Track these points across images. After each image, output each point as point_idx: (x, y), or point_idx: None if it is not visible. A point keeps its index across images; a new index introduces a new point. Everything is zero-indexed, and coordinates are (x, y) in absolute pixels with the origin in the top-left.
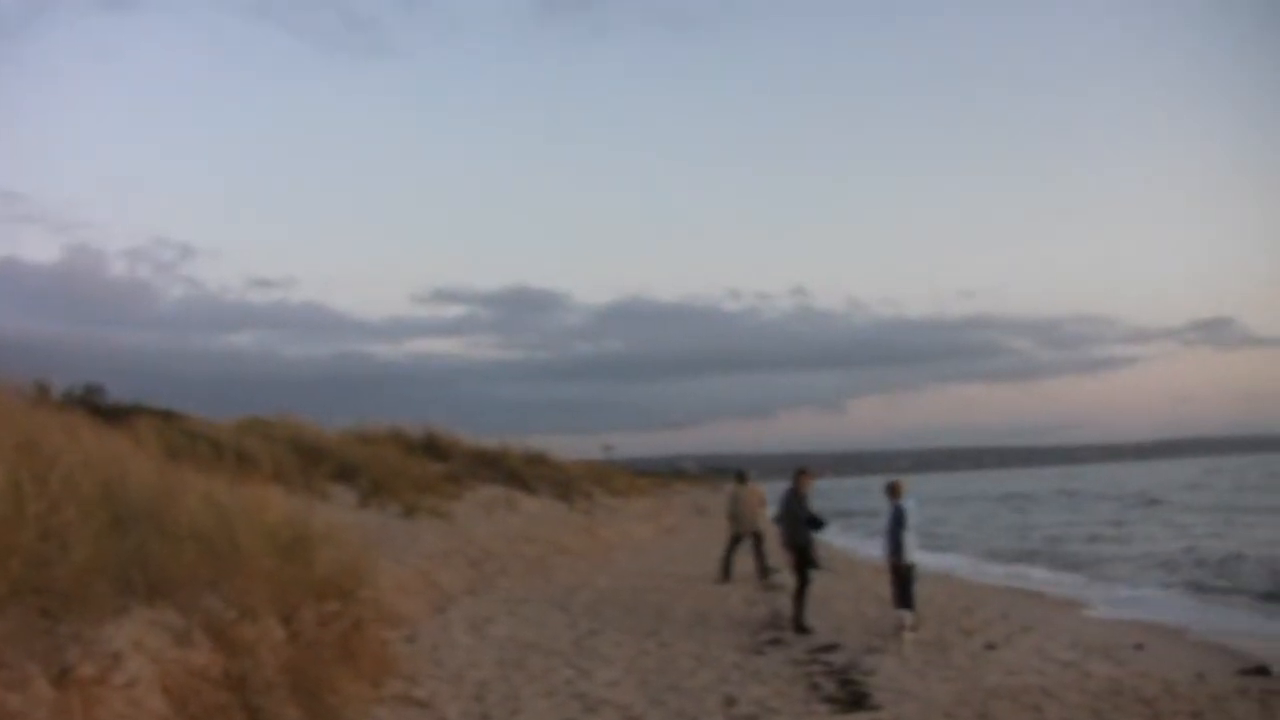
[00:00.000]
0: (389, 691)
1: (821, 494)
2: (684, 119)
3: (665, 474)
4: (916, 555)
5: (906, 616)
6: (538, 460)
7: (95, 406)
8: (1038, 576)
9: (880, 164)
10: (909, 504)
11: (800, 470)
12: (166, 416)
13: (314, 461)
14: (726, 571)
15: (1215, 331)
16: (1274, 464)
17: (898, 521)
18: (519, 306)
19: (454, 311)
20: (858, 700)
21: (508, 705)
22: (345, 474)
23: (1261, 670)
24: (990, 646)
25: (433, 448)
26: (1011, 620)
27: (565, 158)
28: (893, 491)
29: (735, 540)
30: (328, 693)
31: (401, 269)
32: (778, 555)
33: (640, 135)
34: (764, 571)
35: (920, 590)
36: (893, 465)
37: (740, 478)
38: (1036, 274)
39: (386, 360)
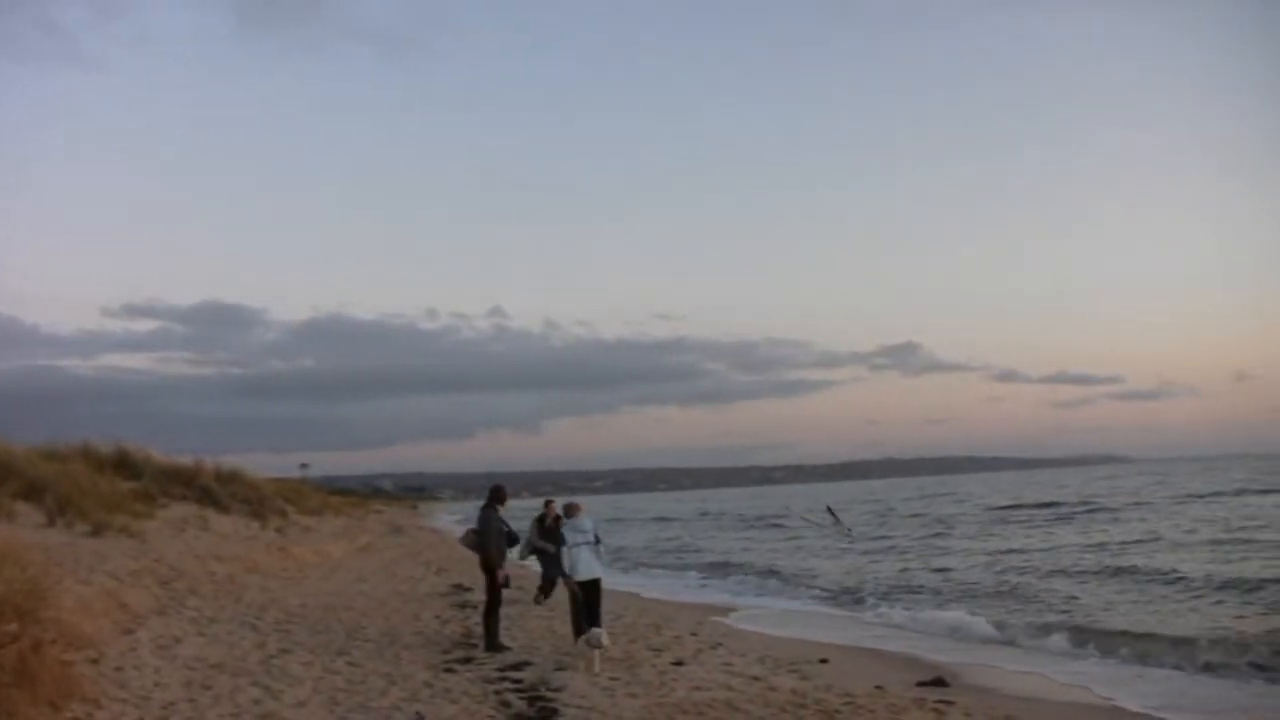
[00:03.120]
0: (69, 715)
1: (519, 514)
2: (383, 137)
3: (362, 493)
4: (599, 573)
5: (598, 634)
6: (231, 478)
7: None
8: (725, 592)
9: (576, 187)
10: (586, 524)
11: (496, 488)
12: None
13: None
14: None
15: (902, 357)
16: (936, 487)
17: (568, 541)
18: (213, 322)
19: (146, 326)
20: (546, 717)
21: None
22: (31, 492)
23: (938, 682)
24: (679, 663)
25: (124, 465)
26: (701, 636)
27: (262, 172)
28: (568, 512)
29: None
30: (4, 717)
31: (92, 281)
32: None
33: (340, 151)
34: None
35: (608, 606)
36: (589, 486)
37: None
38: (732, 298)
39: (77, 375)
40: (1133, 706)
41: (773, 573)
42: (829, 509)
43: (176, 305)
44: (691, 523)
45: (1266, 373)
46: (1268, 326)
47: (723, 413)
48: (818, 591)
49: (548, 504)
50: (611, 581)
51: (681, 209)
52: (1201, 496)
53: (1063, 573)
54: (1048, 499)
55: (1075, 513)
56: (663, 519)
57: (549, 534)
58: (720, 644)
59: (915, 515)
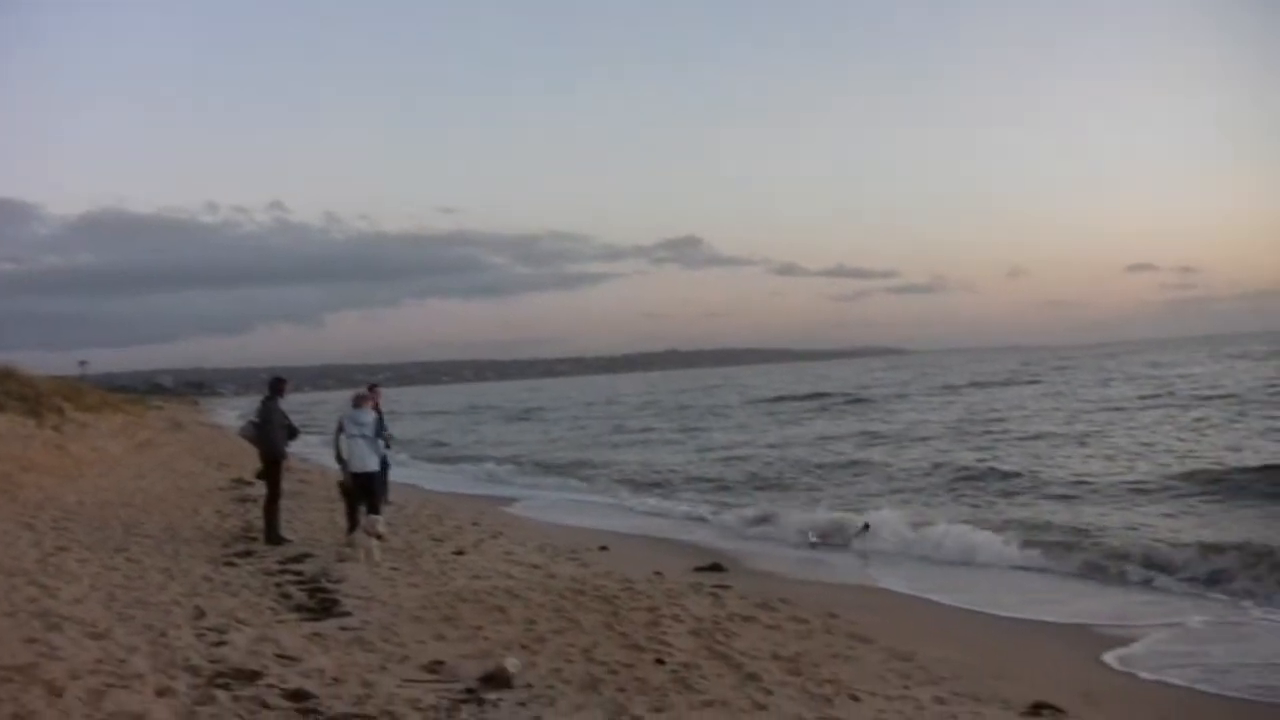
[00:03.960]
0: None
1: (301, 408)
2: (157, 24)
3: (142, 390)
4: (374, 466)
5: (375, 522)
6: (5, 376)
7: None
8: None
9: (355, 77)
10: (366, 417)
11: (276, 380)
12: None
13: None
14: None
15: (684, 250)
16: (715, 380)
17: (346, 431)
18: None
19: None
20: (327, 608)
21: None
22: None
23: (715, 567)
24: (460, 552)
25: None
26: (482, 527)
27: (33, 59)
28: (355, 403)
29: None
30: None
31: None
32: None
33: (115, 38)
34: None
35: (390, 498)
36: (371, 379)
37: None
38: (514, 192)
39: None
40: (901, 589)
41: (550, 465)
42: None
43: None
44: (459, 416)
45: (1038, 269)
46: (1041, 225)
47: (505, 306)
48: (600, 482)
49: (371, 388)
50: (392, 474)
51: (463, 103)
52: (958, 388)
53: (815, 467)
54: (813, 391)
55: (836, 405)
56: (441, 413)
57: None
58: (501, 533)
59: (684, 408)
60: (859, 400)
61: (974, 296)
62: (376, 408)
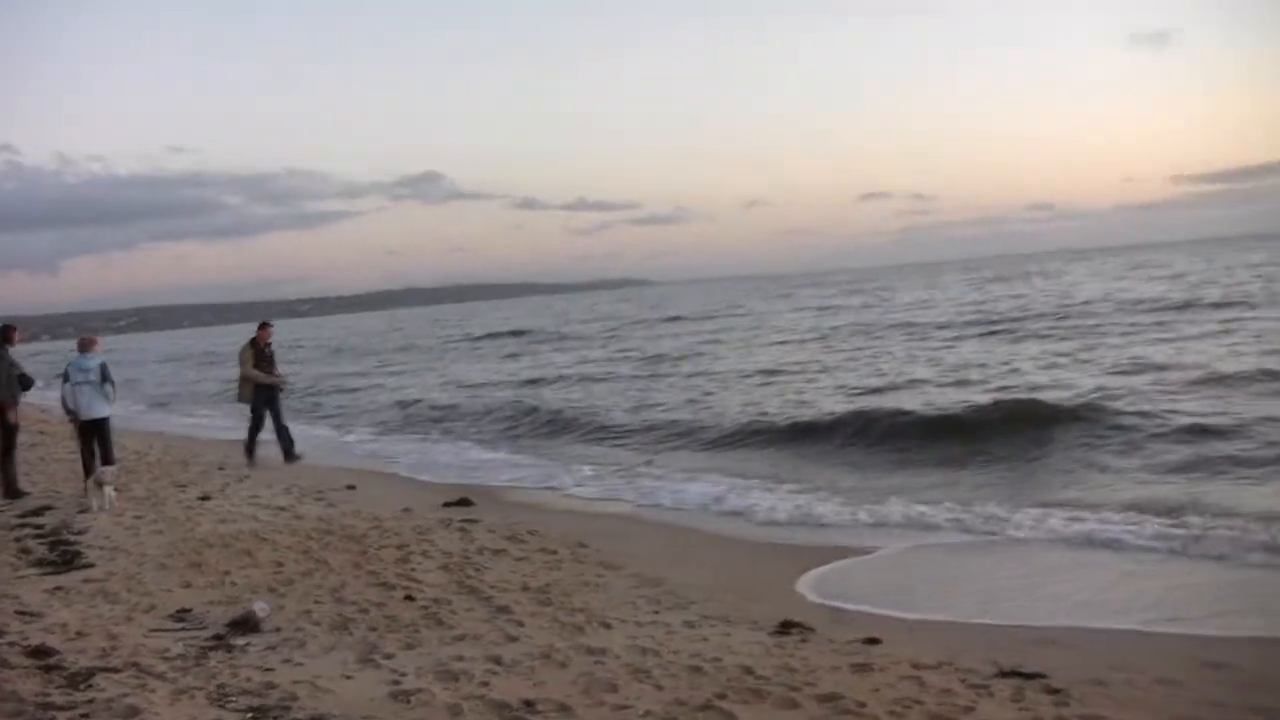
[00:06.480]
0: None
1: (37, 356)
2: None
3: None
4: (104, 412)
5: (107, 472)
6: None
7: None
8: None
9: (86, 12)
10: (90, 362)
11: (4, 328)
12: None
13: None
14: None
15: (423, 186)
16: (471, 313)
17: (70, 379)
18: None
19: None
20: (69, 560)
21: None
22: None
23: (464, 501)
24: (205, 497)
25: None
26: (228, 471)
27: None
28: (82, 347)
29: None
30: None
31: None
32: None
33: None
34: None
35: (132, 445)
36: (112, 325)
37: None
38: (249, 130)
39: None
40: (649, 516)
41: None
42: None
43: None
44: (196, 362)
45: (775, 199)
46: (777, 157)
47: (244, 247)
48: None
49: (262, 327)
50: (135, 421)
51: (191, 37)
52: (678, 319)
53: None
54: (525, 327)
55: (538, 342)
56: (174, 359)
57: (267, 361)
58: (247, 476)
59: (403, 349)
60: (564, 337)
61: (714, 226)
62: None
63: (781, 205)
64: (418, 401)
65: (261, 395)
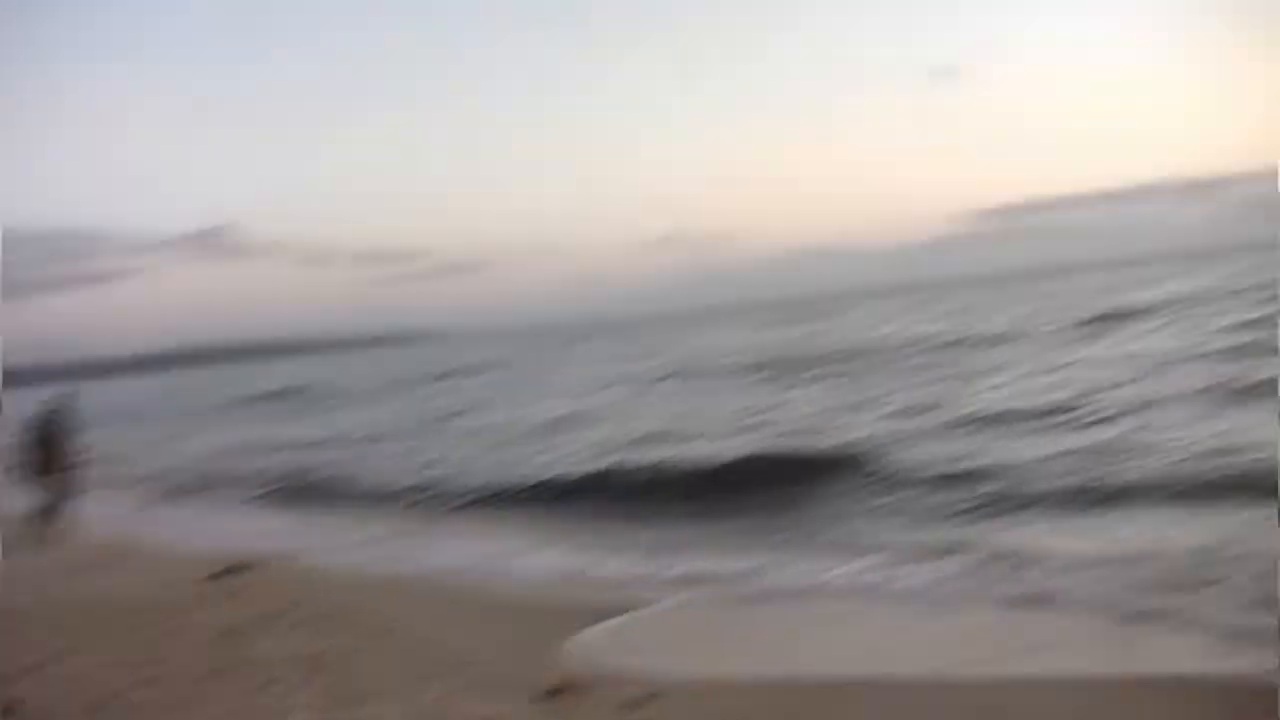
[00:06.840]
0: None
1: None
2: None
3: None
4: None
5: None
6: None
7: None
8: None
9: None
10: None
11: None
12: None
13: None
14: None
15: (208, 241)
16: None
17: None
18: None
19: None
20: None
21: None
22: None
23: (232, 570)
24: None
25: None
26: None
27: None
28: None
29: None
30: None
31: None
32: None
33: None
34: None
35: None
36: None
37: None
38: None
39: None
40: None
41: None
42: None
43: None
44: None
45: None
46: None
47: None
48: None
49: None
50: None
51: None
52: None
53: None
54: (279, 388)
55: (314, 400)
56: None
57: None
58: None
59: (179, 413)
60: (343, 394)
61: (515, 274)
62: None
63: (574, 251)
64: (181, 469)
65: None
